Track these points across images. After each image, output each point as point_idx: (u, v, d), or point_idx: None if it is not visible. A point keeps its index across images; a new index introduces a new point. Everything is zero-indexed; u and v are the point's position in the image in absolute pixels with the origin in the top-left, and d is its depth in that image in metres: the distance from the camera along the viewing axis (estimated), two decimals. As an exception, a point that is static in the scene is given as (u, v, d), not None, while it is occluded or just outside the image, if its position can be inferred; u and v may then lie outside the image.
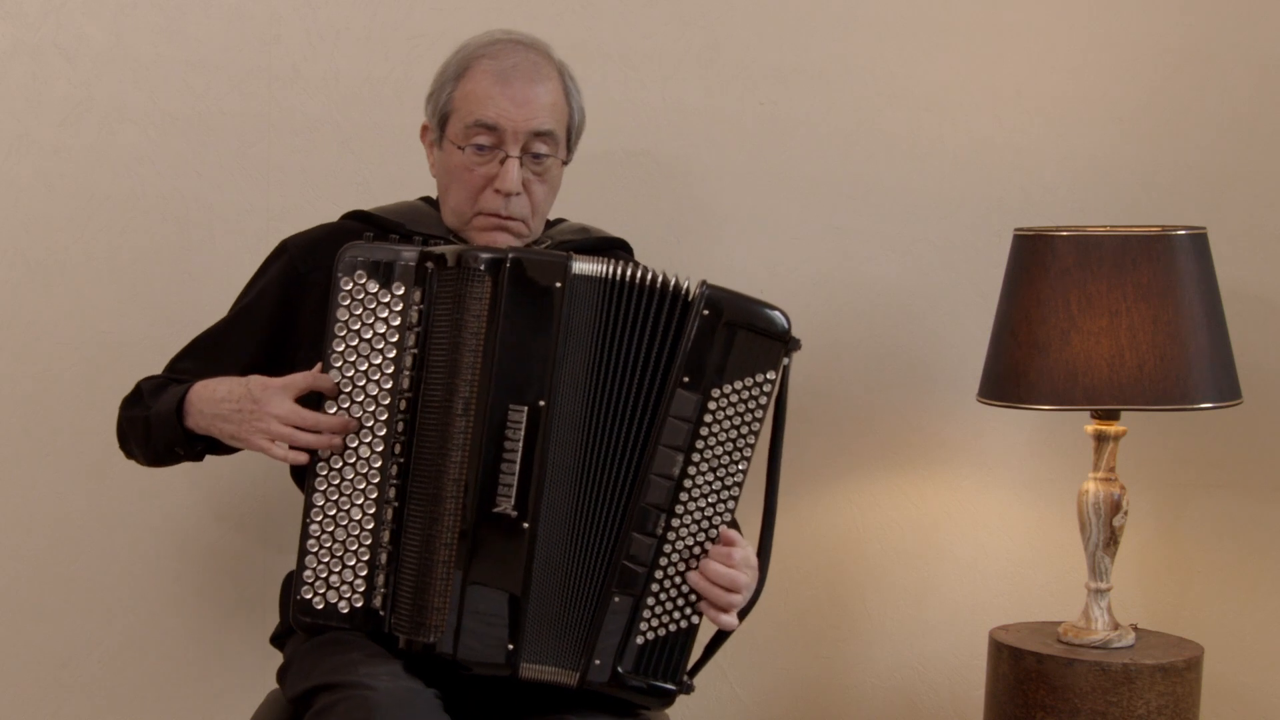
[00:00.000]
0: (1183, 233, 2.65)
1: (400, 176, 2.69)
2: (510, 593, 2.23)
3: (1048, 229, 2.68)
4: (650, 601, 2.25)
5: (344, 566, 2.27)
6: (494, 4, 2.91)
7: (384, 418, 2.26)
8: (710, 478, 2.24)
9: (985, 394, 2.75)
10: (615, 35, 2.96)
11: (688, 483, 2.24)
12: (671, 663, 2.27)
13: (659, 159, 2.99)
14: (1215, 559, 3.03)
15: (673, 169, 2.99)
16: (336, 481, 2.27)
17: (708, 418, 2.23)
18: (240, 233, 2.89)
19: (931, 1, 2.99)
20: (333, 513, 2.26)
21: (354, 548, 2.26)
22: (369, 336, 2.26)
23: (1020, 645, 2.72)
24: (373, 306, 2.25)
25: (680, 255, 2.91)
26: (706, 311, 2.23)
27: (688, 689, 2.29)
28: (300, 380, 2.28)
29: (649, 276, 2.24)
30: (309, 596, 2.27)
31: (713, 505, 2.25)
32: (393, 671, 2.19)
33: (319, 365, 2.28)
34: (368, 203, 2.61)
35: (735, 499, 2.26)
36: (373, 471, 2.26)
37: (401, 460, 2.25)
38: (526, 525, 2.22)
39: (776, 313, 2.25)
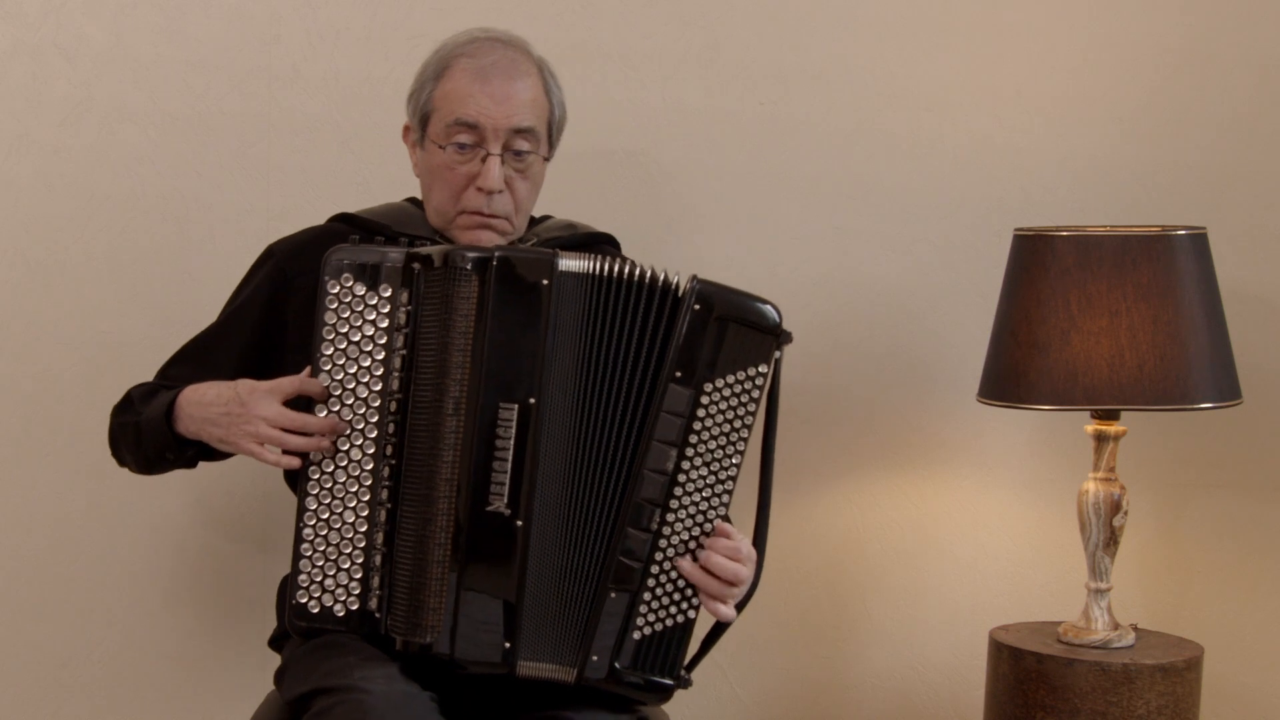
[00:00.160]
0: (1183, 233, 2.65)
1: (400, 176, 2.68)
2: (505, 591, 2.23)
3: (1048, 229, 2.68)
4: (646, 597, 2.26)
5: (338, 569, 2.27)
6: (494, 4, 2.91)
7: (374, 419, 2.26)
8: (704, 472, 2.25)
9: (985, 394, 2.75)
10: (615, 35, 2.96)
11: (682, 477, 2.24)
12: (669, 658, 2.27)
13: (659, 159, 2.99)
14: (1215, 559, 3.03)
15: (673, 169, 2.99)
16: (329, 485, 2.27)
17: (700, 412, 2.23)
18: (240, 233, 2.89)
19: (931, 1, 2.99)
20: (325, 516, 2.27)
21: (348, 550, 2.27)
22: (357, 339, 2.26)
23: (1020, 645, 2.72)
24: (360, 309, 2.25)
25: (680, 255, 2.91)
26: (697, 306, 2.23)
27: (685, 684, 2.30)
28: (288, 384, 2.27)
29: (638, 272, 2.24)
30: (304, 600, 2.27)
31: (707, 500, 2.25)
32: (389, 674, 2.19)
33: (308, 369, 2.28)
34: (368, 203, 2.61)
35: (730, 493, 2.26)
36: (365, 474, 2.26)
37: (393, 462, 2.25)
38: (520, 523, 2.22)
39: (767, 306, 2.26)
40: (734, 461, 2.25)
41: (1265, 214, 2.99)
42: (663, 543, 2.25)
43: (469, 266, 2.21)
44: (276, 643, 2.53)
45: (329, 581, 2.27)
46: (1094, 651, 2.69)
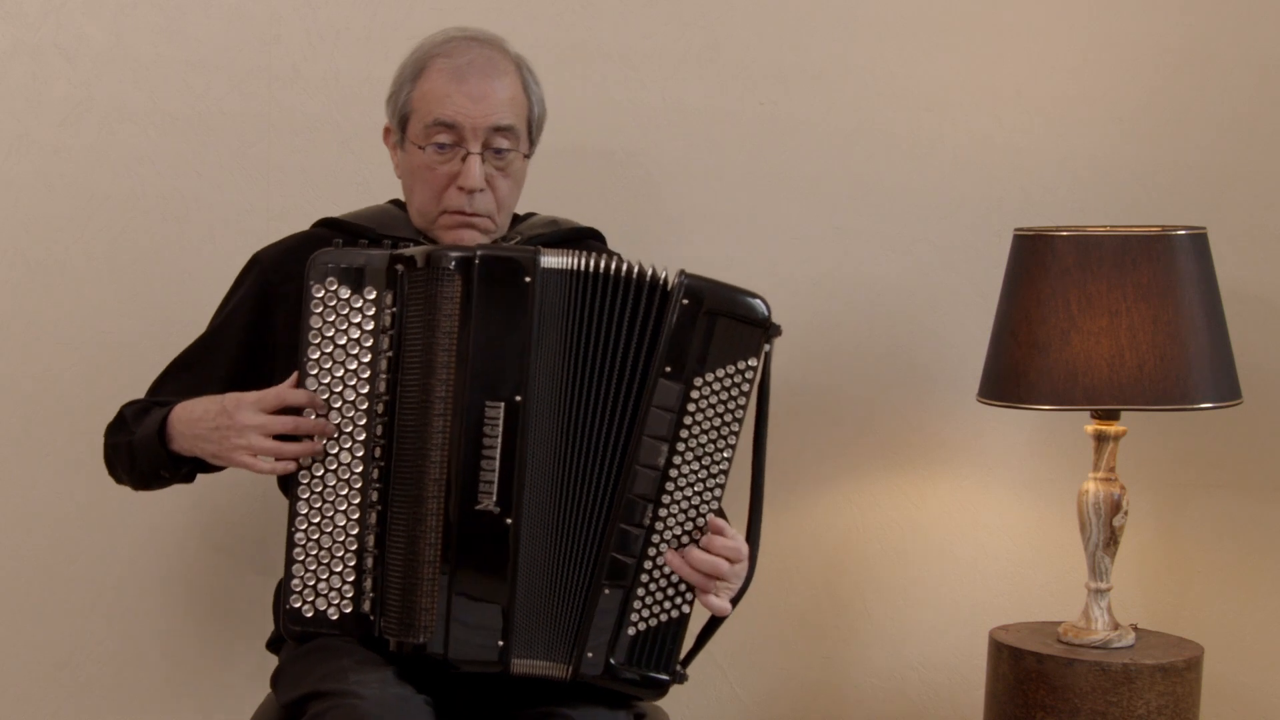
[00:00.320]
0: (1183, 233, 2.65)
1: (400, 176, 2.68)
2: (498, 589, 2.23)
3: (1048, 229, 2.68)
4: (640, 592, 2.26)
5: (331, 573, 2.27)
6: (494, 4, 2.91)
7: (363, 422, 2.26)
8: (696, 466, 2.25)
9: (985, 394, 2.75)
10: (615, 35, 2.96)
11: (673, 472, 2.24)
12: (664, 653, 2.28)
13: (659, 159, 2.99)
14: (1215, 559, 3.03)
15: (673, 169, 2.99)
16: (319, 489, 2.27)
17: (691, 407, 2.23)
18: (240, 233, 2.89)
19: (931, 1, 2.99)
20: (317, 520, 2.27)
21: (340, 553, 2.27)
22: (343, 342, 2.26)
23: (1020, 645, 2.72)
24: (345, 312, 2.25)
25: (681, 254, 2.90)
26: (686, 301, 2.23)
27: (681, 679, 2.30)
28: (273, 396, 2.27)
29: (624, 267, 2.24)
30: (298, 605, 2.27)
31: (699, 494, 2.26)
32: (383, 679, 2.19)
33: (294, 375, 2.28)
34: (368, 202, 2.61)
35: (722, 487, 2.26)
36: (354, 476, 2.27)
37: (382, 464, 2.26)
38: (510, 521, 2.22)
39: (756, 300, 2.26)
40: (725, 455, 2.25)
41: (1265, 214, 2.99)
42: (656, 538, 2.25)
43: (452, 266, 2.21)
44: (274, 645, 2.53)
45: (322, 585, 2.27)
46: (1094, 651, 2.69)
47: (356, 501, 2.27)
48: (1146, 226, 2.69)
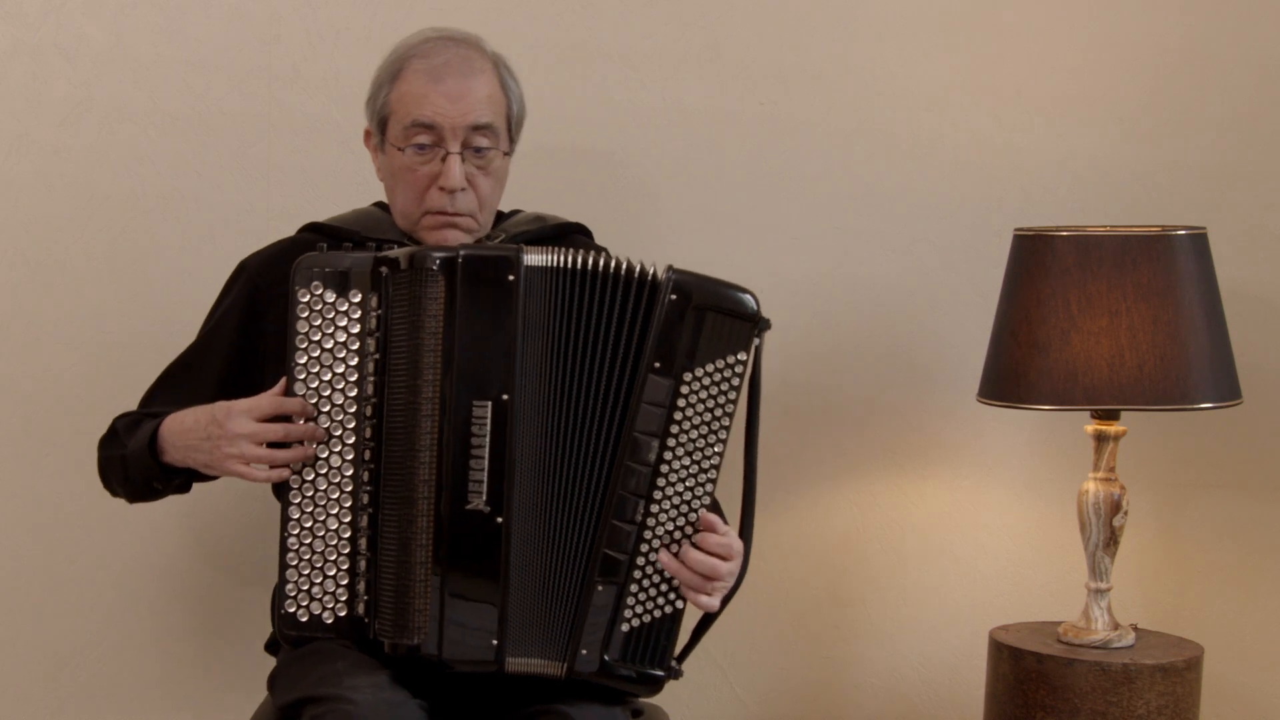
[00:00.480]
0: (1183, 233, 2.65)
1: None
2: (490, 588, 2.23)
3: (1048, 229, 2.68)
4: (634, 589, 2.26)
5: (325, 577, 2.27)
6: (493, 4, 2.91)
7: (352, 425, 2.26)
8: (687, 461, 2.25)
9: (985, 394, 2.75)
10: (615, 35, 2.96)
11: (664, 468, 2.24)
12: (659, 649, 2.28)
13: (659, 159, 2.99)
14: (1215, 559, 3.03)
15: (673, 169, 2.99)
16: (310, 493, 2.27)
17: (681, 402, 2.23)
18: (240, 233, 2.89)
19: (931, 1, 2.99)
20: (309, 524, 2.27)
21: (333, 557, 2.27)
22: (330, 346, 2.26)
23: (1020, 645, 2.72)
24: (331, 316, 2.26)
25: (681, 255, 2.89)
26: (674, 296, 2.23)
27: (676, 674, 2.30)
28: (265, 402, 2.27)
29: (613, 263, 2.24)
30: (293, 610, 2.28)
31: (691, 489, 2.26)
32: (376, 683, 2.19)
33: (281, 382, 2.28)
34: (369, 202, 2.61)
35: (713, 481, 2.26)
36: (345, 480, 2.27)
37: (372, 466, 2.26)
38: (500, 520, 2.23)
39: (745, 294, 2.26)
40: (716, 450, 2.25)
41: (1265, 214, 2.99)
42: (648, 534, 2.26)
43: (435, 267, 2.21)
44: (272, 647, 2.53)
45: (316, 589, 2.27)
46: (1094, 651, 2.69)
47: (348, 505, 2.27)
48: (1146, 226, 2.69)
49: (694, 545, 2.26)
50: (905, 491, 3.04)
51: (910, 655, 3.07)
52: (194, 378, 2.49)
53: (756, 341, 2.25)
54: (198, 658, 2.99)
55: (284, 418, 2.27)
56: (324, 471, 2.27)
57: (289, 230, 2.59)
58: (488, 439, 2.22)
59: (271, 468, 2.27)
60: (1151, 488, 3.00)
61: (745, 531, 2.32)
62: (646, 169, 2.99)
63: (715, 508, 2.31)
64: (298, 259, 2.27)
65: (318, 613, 2.27)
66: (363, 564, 2.26)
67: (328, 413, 2.26)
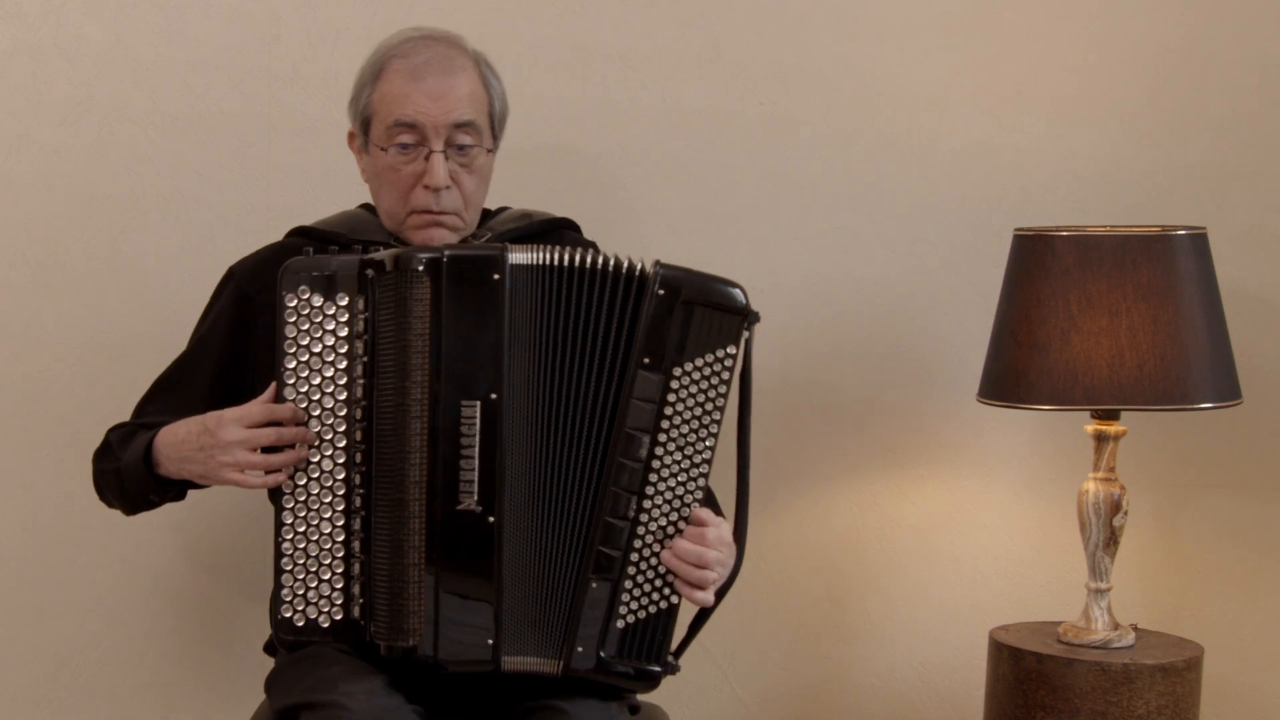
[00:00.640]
0: (1183, 233, 2.65)
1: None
2: (484, 588, 2.23)
3: (1048, 229, 2.68)
4: (628, 585, 2.26)
5: (320, 581, 2.28)
6: (493, 4, 2.91)
7: (342, 429, 2.27)
8: (678, 456, 2.25)
9: (985, 394, 2.75)
10: (615, 35, 2.96)
11: (656, 464, 2.24)
12: (655, 644, 2.28)
13: (659, 159, 2.98)
14: (1215, 559, 3.03)
15: (672, 169, 2.99)
16: (303, 498, 2.27)
17: (671, 397, 2.23)
18: (240, 233, 2.89)
19: (931, 1, 2.99)
20: (303, 529, 2.28)
21: (327, 561, 2.28)
22: (318, 350, 2.26)
23: (1020, 645, 2.72)
24: (319, 320, 2.26)
25: (680, 254, 2.89)
26: (662, 291, 2.23)
27: (673, 669, 2.30)
28: (256, 411, 2.27)
29: (598, 259, 2.24)
30: (289, 615, 2.28)
31: (683, 484, 2.26)
32: (371, 689, 2.20)
33: (271, 388, 2.28)
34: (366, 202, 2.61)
35: (705, 476, 2.26)
36: (337, 484, 2.27)
37: (363, 469, 2.26)
38: (492, 519, 2.23)
39: (734, 288, 2.25)
40: (708, 445, 2.25)
41: (1265, 214, 2.99)
42: (641, 530, 2.26)
43: (420, 268, 2.21)
44: (272, 649, 2.53)
45: (311, 594, 2.28)
46: (1094, 651, 2.69)
47: (340, 508, 2.27)
48: (1146, 226, 2.69)
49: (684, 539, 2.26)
50: (905, 492, 3.04)
51: (910, 655, 3.07)
52: (186, 386, 2.49)
53: (746, 335, 2.25)
54: (197, 658, 2.99)
55: (275, 423, 2.27)
56: (316, 475, 2.27)
57: (288, 230, 2.58)
58: (477, 438, 2.22)
59: (267, 473, 2.27)
60: (1151, 488, 3.00)
61: (740, 524, 2.32)
62: (647, 169, 2.98)
63: (711, 501, 2.31)
64: (284, 264, 2.27)
65: (314, 617, 2.28)
66: (357, 567, 2.27)
67: (318, 416, 2.26)
